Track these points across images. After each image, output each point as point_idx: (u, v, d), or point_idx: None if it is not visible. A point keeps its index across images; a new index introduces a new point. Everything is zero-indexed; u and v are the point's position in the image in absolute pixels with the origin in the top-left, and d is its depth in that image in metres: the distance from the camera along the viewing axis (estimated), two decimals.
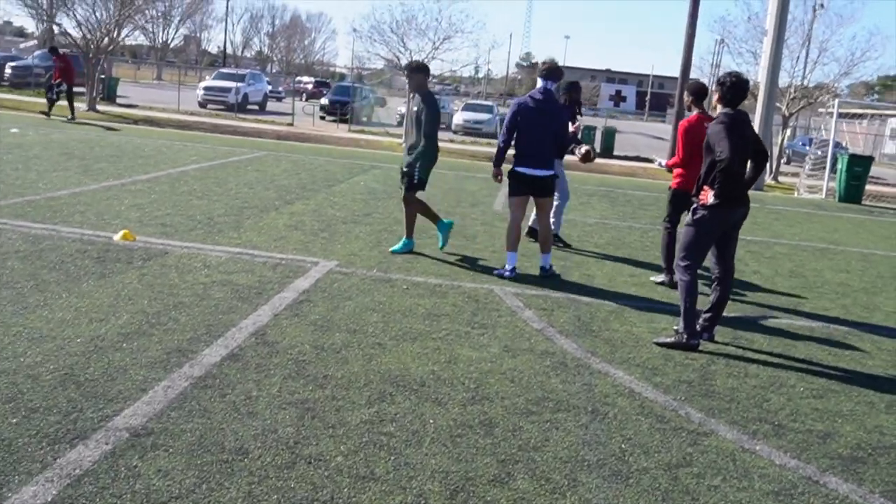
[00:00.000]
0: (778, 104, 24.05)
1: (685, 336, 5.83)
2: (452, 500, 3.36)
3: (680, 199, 7.69)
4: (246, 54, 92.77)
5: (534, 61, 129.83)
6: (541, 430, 4.16)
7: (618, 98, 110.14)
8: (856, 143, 40.53)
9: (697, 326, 5.94)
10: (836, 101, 21.76)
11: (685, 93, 7.94)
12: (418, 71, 8.25)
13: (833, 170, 20.09)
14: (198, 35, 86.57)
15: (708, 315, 6.09)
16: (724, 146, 5.51)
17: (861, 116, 49.05)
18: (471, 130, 32.59)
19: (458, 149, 24.30)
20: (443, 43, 25.01)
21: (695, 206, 5.86)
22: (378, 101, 38.45)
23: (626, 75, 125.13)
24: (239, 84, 32.15)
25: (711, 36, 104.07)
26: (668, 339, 5.89)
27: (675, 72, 27.12)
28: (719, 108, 5.82)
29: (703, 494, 3.67)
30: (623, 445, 4.09)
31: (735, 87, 5.76)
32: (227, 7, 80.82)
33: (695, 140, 7.23)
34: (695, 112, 7.66)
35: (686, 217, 6.22)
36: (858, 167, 19.49)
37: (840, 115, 23.68)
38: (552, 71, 7.62)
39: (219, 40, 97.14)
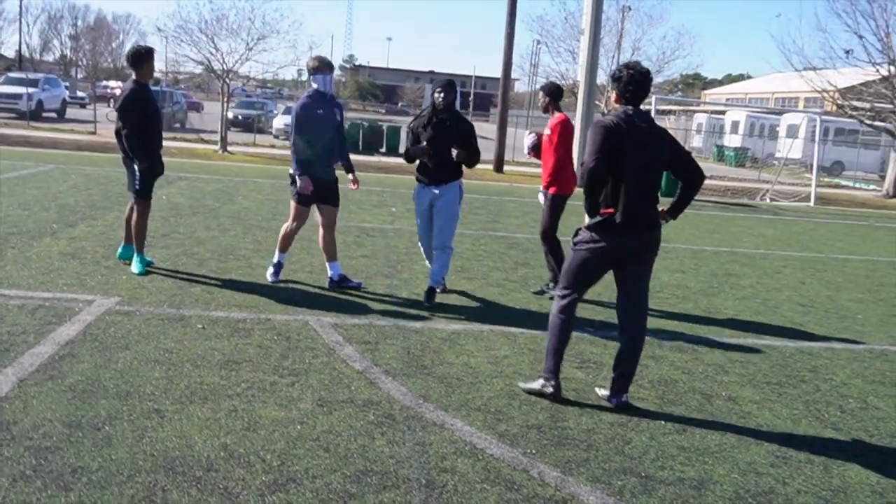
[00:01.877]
0: (598, 102, 24.36)
1: (544, 380, 4.81)
2: None
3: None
4: (47, 58, 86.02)
5: (357, 63, 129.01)
6: None
7: None
8: None
9: (605, 389, 4.89)
10: (654, 98, 22.20)
11: (541, 94, 7.55)
12: None
13: None
14: None
15: (614, 374, 4.80)
16: (590, 151, 4.46)
17: (669, 112, 51.52)
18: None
19: (280, 154, 22.96)
20: (257, 43, 23.54)
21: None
22: (193, 105, 36.33)
23: (450, 76, 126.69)
24: (32, 89, 29.13)
25: (531, 35, 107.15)
26: (532, 385, 4.87)
27: (496, 72, 27.00)
28: (617, 108, 4.69)
29: None
30: None
31: (634, 81, 4.56)
32: (20, 6, 74.11)
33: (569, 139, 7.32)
34: (557, 115, 7.37)
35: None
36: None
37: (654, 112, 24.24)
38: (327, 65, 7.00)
39: (13, 42, 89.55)
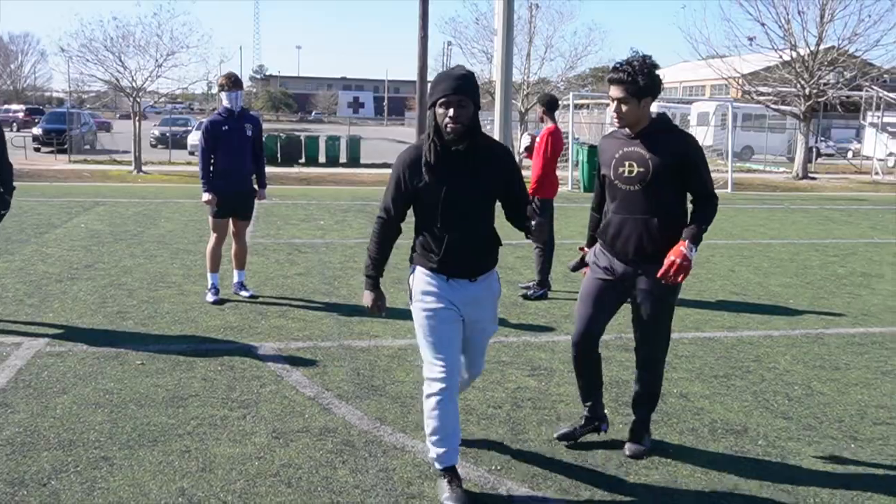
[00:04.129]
0: (514, 101, 24.55)
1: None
2: None
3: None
4: None
5: (268, 73, 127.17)
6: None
7: (356, 105, 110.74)
8: (581, 131, 43.00)
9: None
10: (572, 94, 22.51)
11: (538, 105, 8.20)
12: None
13: (576, 161, 20.69)
14: None
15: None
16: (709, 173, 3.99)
17: (583, 107, 52.39)
18: None
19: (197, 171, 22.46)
20: (167, 59, 22.95)
21: None
22: (102, 125, 35.27)
23: (363, 81, 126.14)
24: None
25: (443, 37, 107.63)
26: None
27: (409, 75, 27.01)
28: (647, 117, 3.95)
29: None
30: None
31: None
32: None
33: (557, 148, 7.67)
34: (549, 125, 7.84)
35: None
36: (596, 156, 20.15)
37: (566, 107, 24.60)
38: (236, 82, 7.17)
39: None
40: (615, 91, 3.83)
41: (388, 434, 4.39)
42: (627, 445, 4.27)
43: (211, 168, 7.09)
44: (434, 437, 3.59)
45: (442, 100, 3.42)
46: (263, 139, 7.35)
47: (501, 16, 22.38)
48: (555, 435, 4.37)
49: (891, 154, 27.47)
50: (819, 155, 37.32)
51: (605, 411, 4.51)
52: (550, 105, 7.92)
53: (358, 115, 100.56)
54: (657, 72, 3.82)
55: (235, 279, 7.53)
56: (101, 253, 9.39)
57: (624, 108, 3.83)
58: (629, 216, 3.93)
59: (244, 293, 7.44)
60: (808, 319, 7.29)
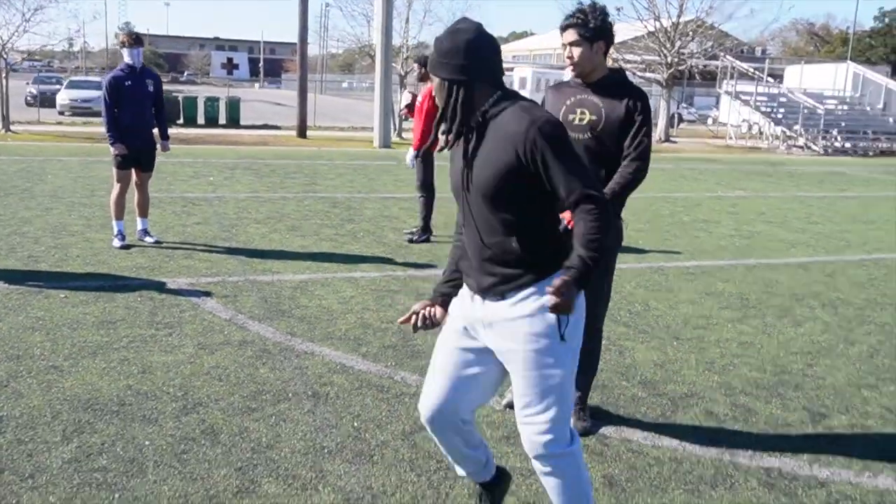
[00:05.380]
0: (394, 64, 25.21)
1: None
2: None
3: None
4: None
5: (135, 31, 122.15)
6: (268, 427, 3.93)
7: (230, 66, 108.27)
8: None
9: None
10: None
11: (416, 65, 8.68)
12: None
13: None
14: None
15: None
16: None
17: None
18: (79, 110, 29.81)
19: (73, 131, 22.11)
20: (34, 14, 22.36)
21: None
22: None
23: (237, 42, 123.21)
24: None
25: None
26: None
27: (286, 37, 27.16)
28: (602, 69, 3.88)
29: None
30: (355, 423, 4.01)
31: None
32: None
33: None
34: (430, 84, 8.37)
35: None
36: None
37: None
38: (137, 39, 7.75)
39: None
40: (567, 36, 3.77)
41: (298, 343, 5.18)
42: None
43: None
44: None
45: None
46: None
47: None
48: (503, 402, 4.30)
49: (745, 121, 29.72)
50: (681, 121, 39.75)
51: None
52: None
53: (232, 76, 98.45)
54: (609, 20, 3.79)
55: (139, 227, 8.05)
56: None
57: (576, 52, 3.76)
58: None
59: (148, 239, 7.98)
60: (652, 256, 8.48)
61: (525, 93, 34.07)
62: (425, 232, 8.72)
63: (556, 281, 2.35)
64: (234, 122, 27.74)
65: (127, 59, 7.56)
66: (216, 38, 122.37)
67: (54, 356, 4.74)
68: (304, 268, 7.21)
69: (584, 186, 2.43)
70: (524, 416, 2.62)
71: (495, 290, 2.60)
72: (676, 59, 27.61)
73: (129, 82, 7.54)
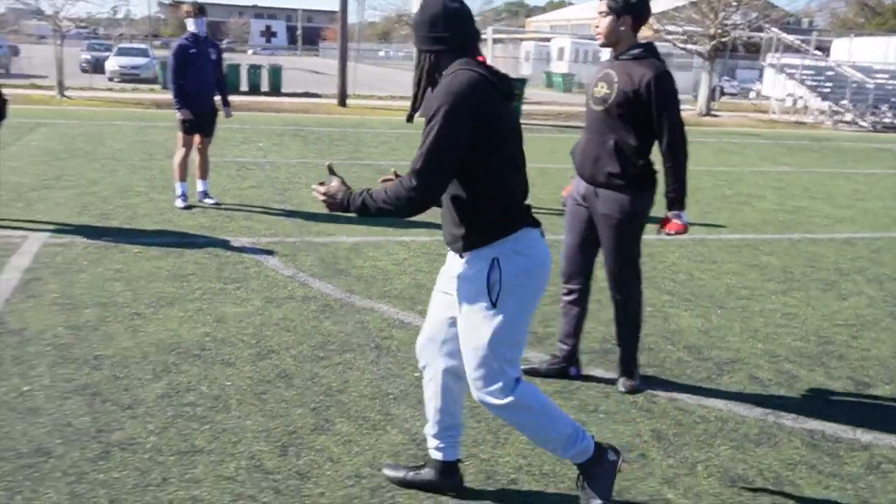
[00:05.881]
0: None
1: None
2: (284, 456, 3.37)
3: None
4: None
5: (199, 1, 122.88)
6: (337, 374, 4.24)
7: (268, 34, 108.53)
8: (497, 66, 43.96)
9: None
10: (490, 28, 23.40)
11: None
12: None
13: None
14: None
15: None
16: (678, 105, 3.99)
17: (499, 41, 53.25)
18: (128, 76, 30.40)
19: (122, 97, 22.62)
20: None
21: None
22: (10, 49, 34.38)
23: (275, 10, 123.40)
24: None
25: None
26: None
27: (323, 5, 27.29)
28: (626, 43, 3.94)
29: None
30: (416, 374, 4.30)
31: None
32: None
33: None
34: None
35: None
36: (516, 89, 21.22)
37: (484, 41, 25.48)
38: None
39: None
40: (599, 5, 3.87)
41: (358, 300, 5.49)
42: (620, 380, 4.31)
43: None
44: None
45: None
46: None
47: None
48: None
49: (789, 95, 29.41)
50: (723, 94, 39.40)
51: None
52: None
53: (270, 44, 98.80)
54: None
55: (200, 188, 8.40)
56: (63, 167, 10.06)
57: (602, 22, 3.86)
58: (592, 136, 3.99)
59: (208, 200, 8.33)
60: (695, 229, 8.65)
61: (563, 64, 33.93)
62: None
63: (334, 184, 2.78)
64: (275, 89, 28.09)
65: (192, 27, 7.88)
66: (254, 6, 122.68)
67: (136, 304, 5.10)
68: (356, 231, 7.51)
69: (415, 166, 2.63)
70: (466, 370, 2.87)
71: (451, 247, 2.85)
72: (720, 31, 27.32)
73: (194, 50, 7.86)
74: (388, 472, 3.26)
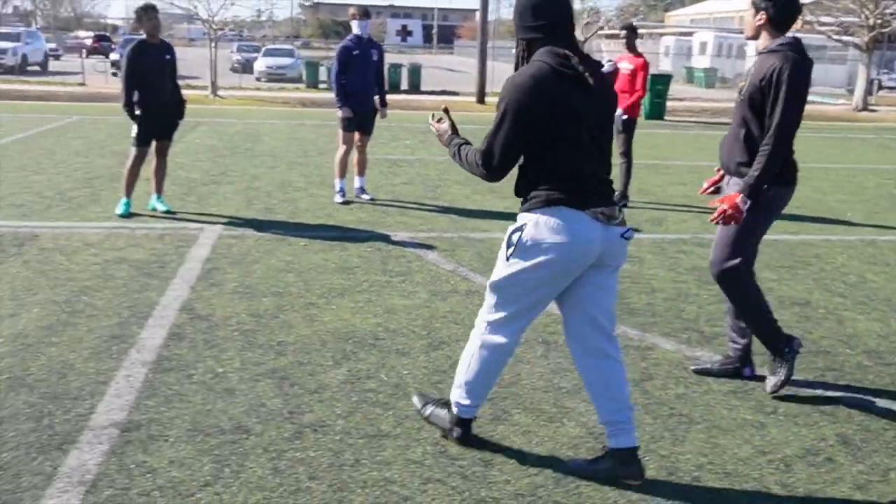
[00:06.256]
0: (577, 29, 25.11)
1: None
2: (469, 444, 3.45)
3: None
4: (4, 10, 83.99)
5: (316, 1, 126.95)
6: (508, 367, 4.27)
7: (404, 33, 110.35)
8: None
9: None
10: (632, 20, 22.93)
11: (625, 31, 8.83)
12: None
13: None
14: None
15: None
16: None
17: (640, 36, 52.25)
18: (275, 76, 31.68)
19: (270, 96, 23.60)
20: None
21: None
22: None
23: (411, 10, 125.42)
24: (15, 44, 29.29)
25: None
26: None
27: (461, 3, 27.52)
28: (767, 37, 3.94)
29: (674, 402, 3.97)
30: None
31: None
32: None
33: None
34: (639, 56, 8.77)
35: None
36: (660, 85, 20.83)
37: (609, 37, 24.97)
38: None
39: None
40: None
41: None
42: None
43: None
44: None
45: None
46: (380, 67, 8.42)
47: None
48: (691, 367, 4.41)
49: None
50: (881, 87, 37.16)
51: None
52: (635, 29, 8.93)
53: (406, 42, 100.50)
54: None
55: (357, 185, 8.68)
56: (226, 164, 10.62)
57: (745, 15, 4.04)
58: (731, 128, 4.12)
59: (365, 196, 8.59)
60: (862, 229, 8.24)
61: (705, 59, 32.93)
62: (622, 198, 8.86)
63: (444, 125, 3.38)
64: (414, 87, 28.59)
65: (356, 30, 8.15)
66: (391, 6, 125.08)
67: (309, 294, 5.34)
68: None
69: (482, 147, 3.07)
70: None
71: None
72: (880, 21, 25.77)
73: (357, 52, 8.12)
74: (415, 400, 3.67)
